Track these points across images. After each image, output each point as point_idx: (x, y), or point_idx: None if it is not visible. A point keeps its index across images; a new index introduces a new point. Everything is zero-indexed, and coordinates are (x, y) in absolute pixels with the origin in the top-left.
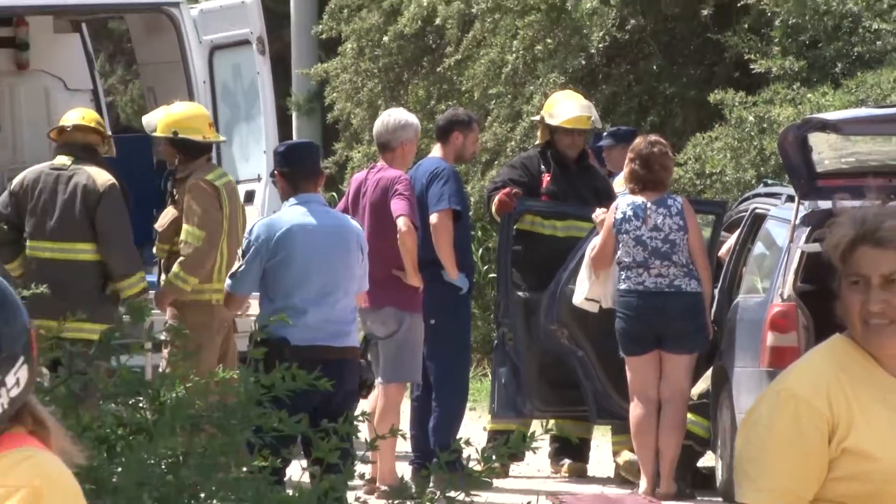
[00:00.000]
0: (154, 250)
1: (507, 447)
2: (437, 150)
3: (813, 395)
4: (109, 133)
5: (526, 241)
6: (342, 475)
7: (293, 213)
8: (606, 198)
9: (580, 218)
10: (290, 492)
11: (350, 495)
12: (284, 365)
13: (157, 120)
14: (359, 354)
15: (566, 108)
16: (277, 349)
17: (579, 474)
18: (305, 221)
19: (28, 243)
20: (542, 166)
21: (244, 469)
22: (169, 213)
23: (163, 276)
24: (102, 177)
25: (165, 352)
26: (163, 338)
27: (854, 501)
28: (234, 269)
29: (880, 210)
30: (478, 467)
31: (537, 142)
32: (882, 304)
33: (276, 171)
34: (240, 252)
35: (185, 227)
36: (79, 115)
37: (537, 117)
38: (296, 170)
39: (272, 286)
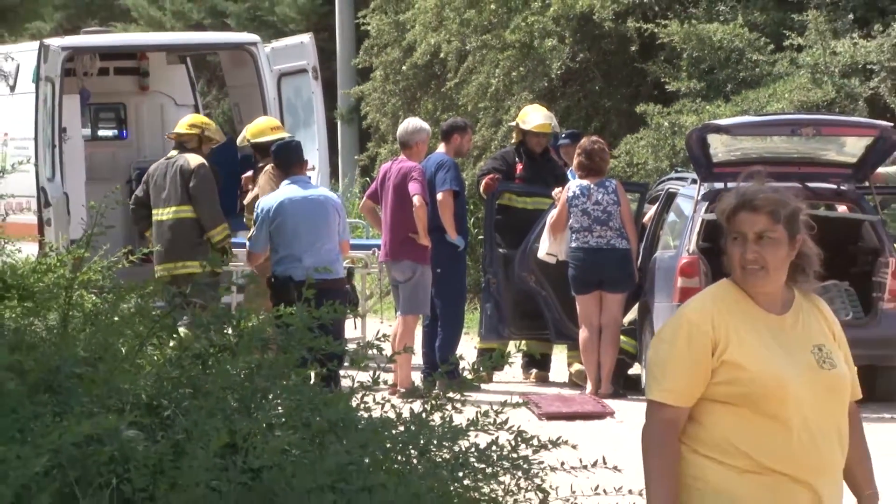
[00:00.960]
0: (244, 219)
1: (490, 361)
2: (441, 148)
3: (701, 321)
4: (207, 131)
5: (504, 213)
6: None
7: (286, 190)
8: (561, 181)
9: (543, 196)
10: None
11: (377, 396)
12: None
13: (242, 134)
14: (345, 283)
15: (535, 117)
16: (285, 283)
17: (543, 380)
18: (295, 195)
19: (152, 212)
20: (517, 158)
21: (301, 378)
22: (253, 192)
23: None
24: (195, 160)
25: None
26: (241, 282)
27: (729, 399)
28: (249, 234)
29: (756, 186)
30: (469, 376)
31: (513, 141)
32: (755, 254)
33: (272, 163)
34: (251, 221)
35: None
36: (183, 121)
37: (513, 123)
38: (284, 161)
39: (276, 241)
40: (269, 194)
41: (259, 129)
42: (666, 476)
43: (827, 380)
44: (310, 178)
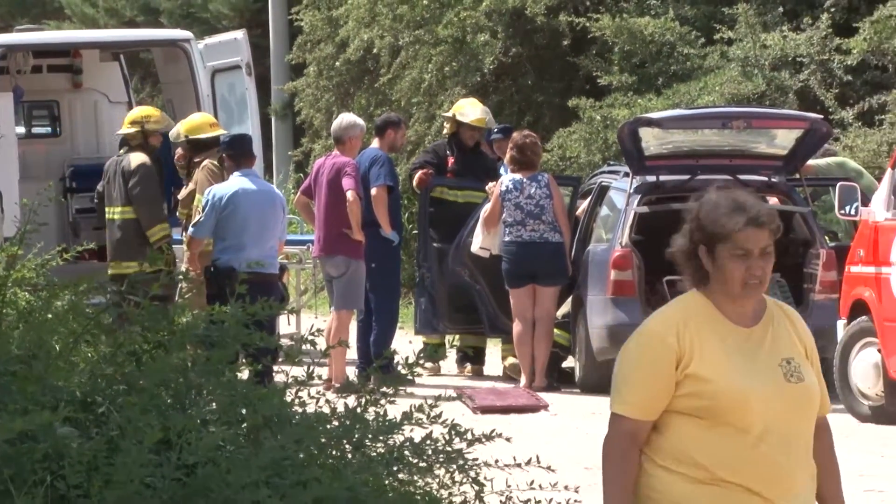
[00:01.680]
0: (177, 214)
1: (424, 355)
2: (375, 143)
3: (666, 333)
4: (147, 124)
5: (437, 206)
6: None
7: (237, 182)
8: (493, 175)
9: (476, 189)
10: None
11: (311, 391)
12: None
13: (177, 129)
14: (279, 279)
15: (473, 110)
16: (227, 273)
17: (478, 374)
18: (246, 187)
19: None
20: (448, 152)
21: (235, 374)
22: (188, 188)
23: (184, 234)
24: (136, 160)
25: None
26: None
27: (692, 411)
28: (194, 221)
29: (751, 199)
30: (403, 370)
31: (445, 132)
32: (760, 269)
33: (223, 154)
34: (200, 208)
35: (197, 196)
36: (126, 118)
37: (449, 114)
38: (237, 153)
39: (224, 230)
40: (220, 183)
41: (196, 124)
42: (622, 487)
43: (793, 393)
44: (257, 173)
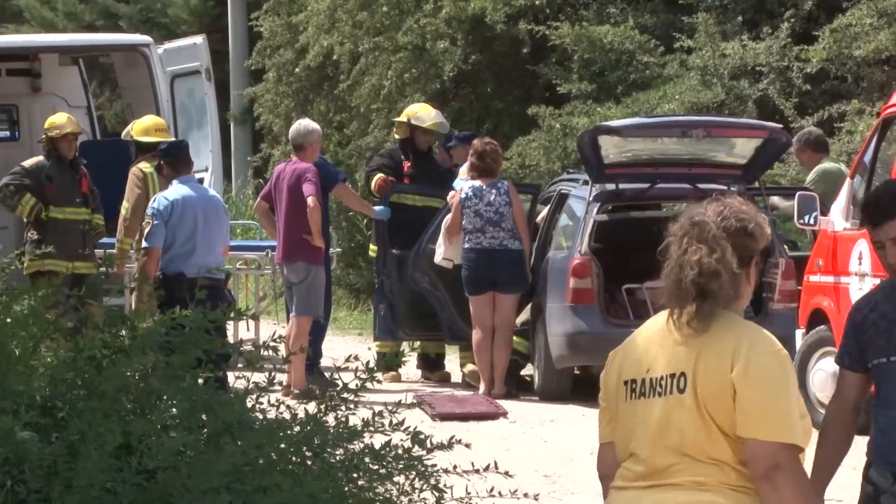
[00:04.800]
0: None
1: (385, 361)
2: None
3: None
4: (50, 132)
5: (395, 211)
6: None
7: (180, 189)
8: (446, 177)
9: (430, 195)
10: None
11: (272, 397)
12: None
13: (128, 129)
14: (225, 283)
15: (428, 115)
16: (177, 279)
17: (446, 379)
18: (190, 194)
19: None
20: (402, 156)
21: (196, 379)
22: (125, 203)
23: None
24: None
25: (133, 296)
26: (132, 285)
27: None
28: (146, 232)
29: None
30: (363, 376)
31: (397, 137)
32: None
33: (160, 162)
34: (149, 217)
35: (124, 203)
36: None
37: (402, 118)
38: (176, 160)
39: (171, 238)
40: (163, 192)
41: (144, 127)
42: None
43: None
44: (196, 179)
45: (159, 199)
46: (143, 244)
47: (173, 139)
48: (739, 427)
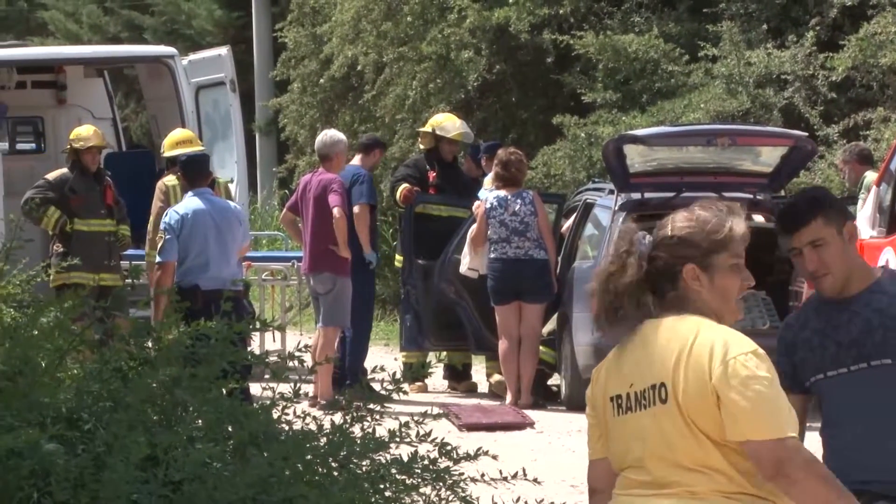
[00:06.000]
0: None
1: (411, 371)
2: (357, 160)
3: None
4: (75, 143)
5: (420, 221)
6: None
7: (192, 202)
8: (471, 187)
9: (456, 206)
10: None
11: (298, 408)
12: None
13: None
14: (244, 294)
15: (452, 125)
16: (192, 293)
17: (472, 390)
18: (199, 206)
19: None
20: (428, 166)
21: (222, 390)
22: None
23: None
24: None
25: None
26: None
27: None
28: (159, 247)
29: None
30: (390, 387)
31: (422, 147)
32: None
33: (179, 173)
34: (162, 231)
35: (152, 217)
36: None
37: (427, 128)
38: (191, 173)
39: (184, 251)
40: (175, 206)
41: (171, 141)
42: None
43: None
44: (211, 190)
45: (171, 214)
46: (157, 259)
47: (195, 151)
48: (730, 432)
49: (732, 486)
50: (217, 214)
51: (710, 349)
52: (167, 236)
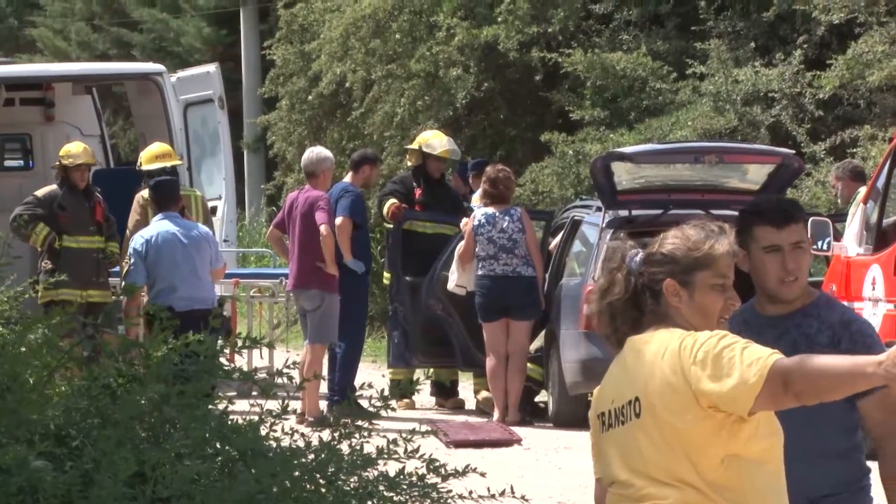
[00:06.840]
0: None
1: (399, 388)
2: (348, 177)
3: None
4: (64, 160)
5: (407, 238)
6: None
7: (160, 225)
8: (458, 204)
9: (442, 223)
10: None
11: (285, 425)
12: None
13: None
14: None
15: (439, 142)
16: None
17: (460, 407)
18: (169, 229)
19: None
20: (415, 183)
21: (209, 406)
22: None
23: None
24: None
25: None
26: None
27: None
28: (125, 271)
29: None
30: (379, 404)
31: (409, 164)
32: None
33: (149, 197)
34: (128, 257)
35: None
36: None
37: (413, 146)
38: (161, 197)
39: (153, 275)
40: (141, 230)
41: (149, 154)
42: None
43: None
44: (178, 214)
45: (136, 238)
46: (125, 282)
47: (173, 164)
48: (742, 410)
49: (702, 500)
50: (185, 236)
51: (677, 355)
52: (132, 260)
